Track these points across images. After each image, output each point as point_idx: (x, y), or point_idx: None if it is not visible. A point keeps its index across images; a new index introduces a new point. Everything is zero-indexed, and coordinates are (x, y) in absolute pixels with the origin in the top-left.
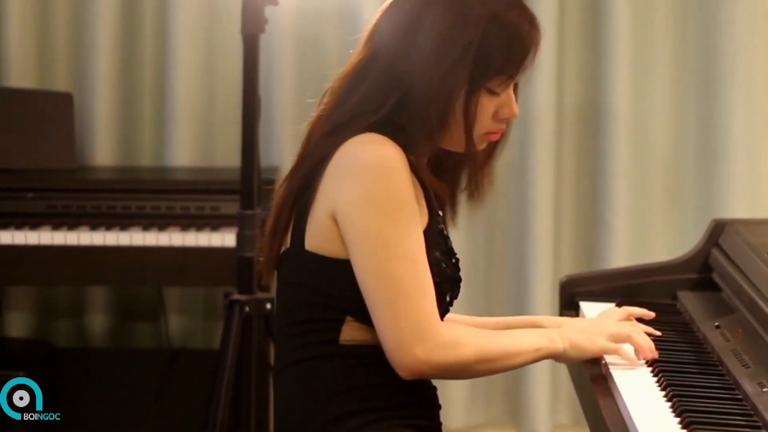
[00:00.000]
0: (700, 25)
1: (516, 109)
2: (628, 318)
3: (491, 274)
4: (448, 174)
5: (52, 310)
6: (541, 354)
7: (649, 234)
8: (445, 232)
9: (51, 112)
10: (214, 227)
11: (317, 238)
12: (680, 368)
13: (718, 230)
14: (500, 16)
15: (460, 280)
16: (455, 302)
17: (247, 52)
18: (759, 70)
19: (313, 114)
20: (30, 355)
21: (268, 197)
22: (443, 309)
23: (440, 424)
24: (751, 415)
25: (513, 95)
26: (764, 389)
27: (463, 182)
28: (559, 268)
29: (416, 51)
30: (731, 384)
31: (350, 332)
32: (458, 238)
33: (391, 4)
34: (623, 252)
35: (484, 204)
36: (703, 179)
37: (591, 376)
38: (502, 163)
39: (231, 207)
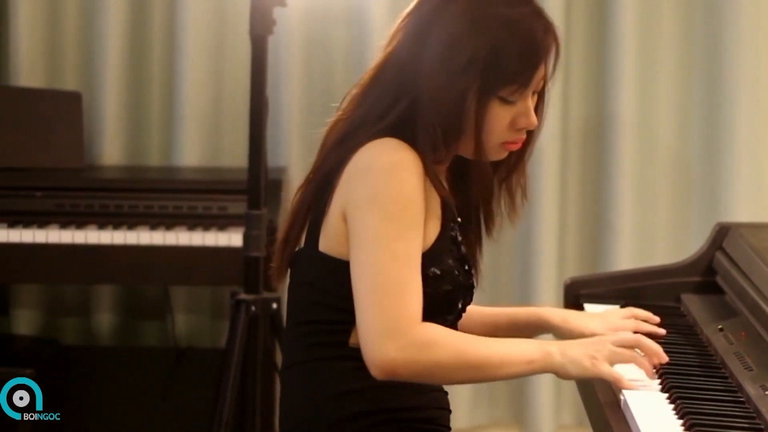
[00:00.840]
0: (705, 32)
1: (534, 119)
2: (632, 318)
3: (497, 276)
4: (475, 184)
5: (60, 308)
6: (534, 367)
7: (653, 237)
8: (459, 239)
9: (60, 111)
10: (221, 227)
11: (330, 240)
12: (683, 371)
13: (722, 234)
14: (513, 24)
15: (473, 287)
16: None
17: (255, 54)
18: (763, 77)
19: (330, 119)
20: (37, 352)
21: (275, 197)
22: (455, 315)
23: (449, 428)
24: (753, 418)
25: (530, 105)
26: (767, 392)
27: (497, 194)
28: (564, 270)
29: (425, 56)
30: (734, 386)
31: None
32: None
33: (410, 11)
34: (628, 255)
35: (518, 217)
36: (708, 183)
37: (595, 378)
38: None
39: (238, 207)
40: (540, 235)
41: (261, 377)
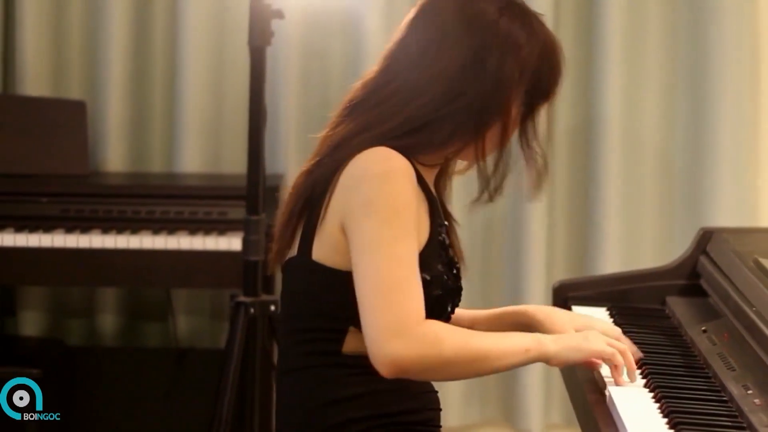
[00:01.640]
0: (690, 37)
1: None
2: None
3: (485, 279)
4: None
5: (65, 309)
6: (530, 356)
7: (639, 241)
8: (446, 242)
9: (65, 119)
10: (221, 232)
11: (326, 249)
12: (668, 371)
13: (706, 238)
14: (551, 44)
15: (461, 289)
16: None
17: (253, 64)
18: (747, 82)
19: (328, 124)
20: (43, 352)
21: (273, 203)
22: (445, 319)
23: (440, 427)
24: (736, 417)
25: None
26: (749, 391)
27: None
28: (552, 273)
29: (440, 68)
30: (717, 386)
31: (353, 342)
32: None
33: (413, 21)
34: (615, 258)
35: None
36: (692, 189)
37: (583, 378)
38: None
39: (237, 212)
40: (529, 238)
41: (259, 376)
